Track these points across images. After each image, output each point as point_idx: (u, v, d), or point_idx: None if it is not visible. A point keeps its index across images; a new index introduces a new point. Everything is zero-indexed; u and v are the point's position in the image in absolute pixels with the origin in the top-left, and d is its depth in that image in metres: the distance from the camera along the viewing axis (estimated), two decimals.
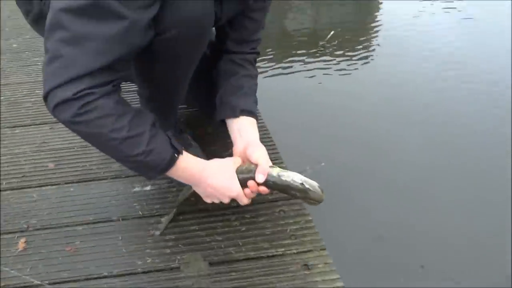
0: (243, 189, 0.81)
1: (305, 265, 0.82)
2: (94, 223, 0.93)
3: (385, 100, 2.11)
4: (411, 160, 1.68)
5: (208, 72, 0.99)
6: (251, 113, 0.92)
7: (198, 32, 0.76)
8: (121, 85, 0.74)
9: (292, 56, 2.58)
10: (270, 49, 2.60)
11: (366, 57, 2.63)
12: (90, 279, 0.81)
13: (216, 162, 0.84)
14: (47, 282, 0.79)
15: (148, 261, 0.84)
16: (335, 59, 2.58)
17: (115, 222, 0.93)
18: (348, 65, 2.52)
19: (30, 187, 1.03)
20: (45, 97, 0.69)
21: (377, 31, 3.13)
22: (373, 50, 2.77)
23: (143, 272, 0.82)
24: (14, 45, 1.78)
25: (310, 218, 0.92)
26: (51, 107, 0.69)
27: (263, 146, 0.88)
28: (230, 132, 0.92)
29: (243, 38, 0.96)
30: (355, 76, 2.39)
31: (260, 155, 0.83)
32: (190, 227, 0.91)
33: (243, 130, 0.89)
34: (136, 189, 1.01)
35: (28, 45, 1.77)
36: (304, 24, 3.40)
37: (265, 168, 0.80)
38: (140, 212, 0.95)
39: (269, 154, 0.86)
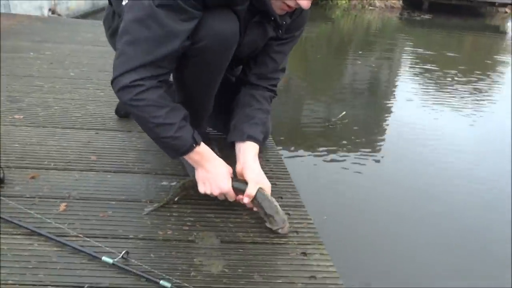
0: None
1: (303, 253, 0.94)
2: (125, 201, 1.08)
3: (388, 197, 2.23)
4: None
5: (230, 104, 1.21)
6: (256, 140, 1.10)
7: (223, 46, 0.96)
8: (166, 81, 0.96)
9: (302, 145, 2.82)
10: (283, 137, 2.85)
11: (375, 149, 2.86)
12: (118, 237, 0.94)
13: (220, 161, 1.03)
14: (81, 235, 0.92)
15: (168, 232, 0.97)
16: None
17: (143, 203, 1.07)
18: (357, 154, 2.73)
19: (73, 170, 1.20)
20: (112, 82, 0.93)
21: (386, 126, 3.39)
22: (381, 144, 3.02)
23: (164, 240, 0.95)
24: (71, 74, 2.09)
25: (312, 221, 1.06)
26: (116, 90, 0.93)
27: (256, 168, 1.05)
28: (236, 153, 1.10)
29: (263, 74, 1.17)
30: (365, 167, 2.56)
31: (251, 178, 1.01)
32: (207, 214, 1.05)
33: (244, 152, 1.08)
34: (164, 183, 1.17)
35: (81, 74, 2.09)
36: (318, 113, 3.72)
37: (250, 193, 0.98)
38: (165, 199, 1.09)
39: None
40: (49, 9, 5.47)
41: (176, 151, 0.98)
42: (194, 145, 0.97)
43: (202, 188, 1.01)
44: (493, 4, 11.52)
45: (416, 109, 3.76)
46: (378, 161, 2.73)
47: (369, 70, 5.41)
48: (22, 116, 1.53)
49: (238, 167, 1.05)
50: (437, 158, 2.74)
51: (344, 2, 11.25)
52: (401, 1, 11.65)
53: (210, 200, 1.08)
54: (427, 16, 10.79)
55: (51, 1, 5.54)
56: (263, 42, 1.11)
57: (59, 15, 5.57)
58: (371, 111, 3.90)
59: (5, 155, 1.24)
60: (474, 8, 11.62)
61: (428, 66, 5.62)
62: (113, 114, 1.59)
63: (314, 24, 9.27)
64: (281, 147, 2.81)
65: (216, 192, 1.00)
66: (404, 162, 2.68)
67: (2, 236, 0.90)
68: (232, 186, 1.00)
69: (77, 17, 5.85)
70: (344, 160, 2.65)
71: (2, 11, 4.40)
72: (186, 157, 0.99)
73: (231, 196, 1.00)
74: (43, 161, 1.23)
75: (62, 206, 1.03)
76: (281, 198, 1.14)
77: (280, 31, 1.09)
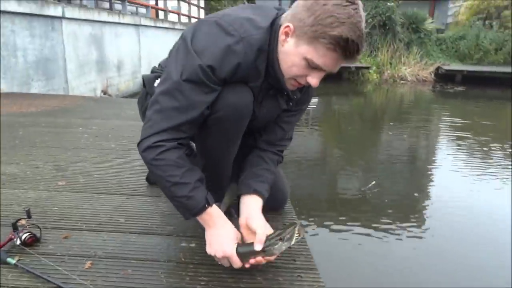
0: (243, 262, 1.03)
1: None
2: (145, 260, 1.14)
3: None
4: None
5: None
6: (261, 194, 1.17)
7: (238, 116, 1.06)
8: (186, 145, 1.07)
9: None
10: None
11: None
12: None
13: (229, 225, 1.08)
14: None
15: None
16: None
17: (162, 263, 1.13)
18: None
19: (102, 231, 1.30)
20: (138, 144, 1.06)
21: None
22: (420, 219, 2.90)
23: None
24: (112, 146, 2.31)
25: (323, 283, 1.06)
26: (140, 151, 1.05)
27: (261, 217, 1.11)
28: (240, 205, 1.16)
29: (272, 141, 1.27)
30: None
31: (258, 224, 1.06)
32: (221, 275, 1.08)
33: (249, 205, 1.14)
34: (183, 244, 1.23)
35: (121, 146, 2.30)
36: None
37: (261, 238, 1.02)
38: (182, 259, 1.15)
39: None
40: (102, 91, 6.14)
41: (189, 211, 1.05)
42: (206, 205, 1.04)
43: (209, 250, 1.06)
44: None
45: (457, 182, 3.64)
46: (418, 236, 2.61)
47: (405, 141, 5.39)
48: (64, 183, 1.69)
49: (242, 219, 1.10)
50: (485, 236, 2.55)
51: (375, 77, 11.65)
52: (432, 75, 11.86)
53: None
54: (460, 88, 10.83)
55: (105, 83, 6.23)
56: (276, 114, 1.22)
57: (109, 95, 6.21)
58: (409, 182, 3.82)
59: (45, 217, 1.37)
60: (510, 80, 11.55)
61: (467, 135, 5.54)
62: (144, 181, 1.72)
63: (347, 98, 9.60)
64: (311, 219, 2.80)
65: (219, 255, 1.03)
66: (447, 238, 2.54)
67: None
68: (237, 252, 1.03)
69: (125, 97, 6.49)
70: (380, 232, 2.58)
71: (62, 93, 5.00)
72: (198, 217, 1.06)
73: (235, 261, 1.02)
74: (77, 222, 1.35)
75: (88, 264, 1.11)
76: (294, 260, 1.16)
77: (291, 104, 1.21)
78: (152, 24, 8.34)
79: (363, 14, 0.94)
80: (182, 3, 11.23)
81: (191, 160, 1.09)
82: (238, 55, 0.98)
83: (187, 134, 1.05)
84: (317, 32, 0.92)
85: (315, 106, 8.41)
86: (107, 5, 7.12)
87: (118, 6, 7.45)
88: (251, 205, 1.15)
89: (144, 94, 1.30)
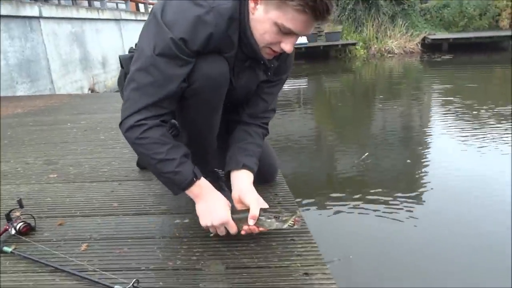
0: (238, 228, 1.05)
1: (306, 273, 0.96)
2: (140, 238, 1.16)
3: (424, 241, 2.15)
4: None
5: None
6: (251, 168, 1.18)
7: (214, 85, 1.06)
8: (168, 122, 1.08)
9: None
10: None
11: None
12: (131, 270, 1.01)
13: (219, 194, 1.10)
14: (99, 269, 1.00)
15: (177, 262, 1.03)
16: None
17: (157, 239, 1.15)
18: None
19: (96, 216, 1.31)
20: (120, 125, 1.06)
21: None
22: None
23: (173, 269, 1.01)
24: (102, 137, 2.31)
25: (316, 244, 1.08)
26: (123, 131, 1.05)
27: (254, 191, 1.12)
28: (232, 181, 1.17)
29: (255, 113, 1.26)
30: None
31: (251, 199, 1.07)
32: (215, 245, 1.10)
33: (240, 179, 1.15)
34: (177, 221, 1.25)
35: (110, 137, 2.30)
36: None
37: (255, 213, 1.03)
38: (177, 234, 1.17)
39: None
40: (89, 89, 6.08)
41: (177, 186, 1.06)
42: (194, 179, 1.05)
43: (203, 221, 1.07)
44: None
45: (455, 151, 3.62)
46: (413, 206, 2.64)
47: (398, 114, 5.41)
48: (56, 175, 1.70)
49: (235, 194, 1.12)
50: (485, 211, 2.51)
51: (362, 52, 11.62)
52: (419, 46, 11.85)
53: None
54: (448, 56, 10.86)
55: (91, 81, 6.17)
56: (255, 85, 1.22)
57: (97, 92, 6.16)
58: (404, 155, 3.84)
59: (39, 207, 1.38)
60: (495, 43, 11.59)
61: (457, 100, 5.58)
62: (135, 167, 1.73)
63: (336, 76, 9.59)
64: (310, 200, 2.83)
65: (216, 222, 1.04)
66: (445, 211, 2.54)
67: (30, 274, 1.00)
68: (232, 218, 1.05)
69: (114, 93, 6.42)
70: (376, 206, 2.61)
71: (48, 93, 4.95)
72: (187, 191, 1.07)
73: (232, 226, 1.05)
74: (71, 210, 1.36)
75: (84, 246, 1.13)
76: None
77: (269, 73, 1.21)
78: (133, 18, 8.22)
79: None
80: None
81: (178, 140, 1.10)
82: (209, 25, 0.98)
83: (167, 109, 1.05)
84: None
85: (305, 86, 8.41)
86: (86, 3, 7.00)
87: (97, 4, 7.32)
88: (243, 180, 1.16)
89: (123, 74, 1.30)
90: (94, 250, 1.11)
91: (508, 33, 11.50)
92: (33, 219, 1.23)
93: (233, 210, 1.08)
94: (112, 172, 1.71)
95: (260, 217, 1.04)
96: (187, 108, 1.12)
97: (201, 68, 1.03)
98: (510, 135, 3.88)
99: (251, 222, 1.03)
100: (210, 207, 1.06)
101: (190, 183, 1.06)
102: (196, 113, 1.14)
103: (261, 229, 1.05)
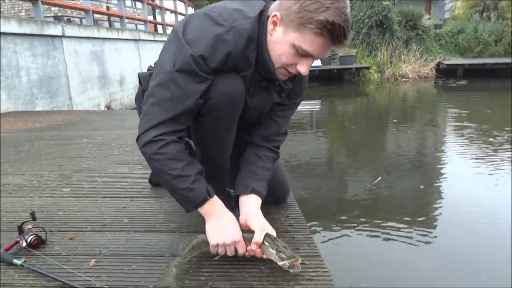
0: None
1: None
2: (150, 256, 1.15)
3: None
4: None
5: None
6: (259, 193, 1.18)
7: (230, 103, 1.07)
8: (184, 138, 1.09)
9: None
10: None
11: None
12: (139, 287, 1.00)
13: (230, 214, 1.10)
14: (106, 286, 0.99)
15: (186, 282, 1.02)
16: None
17: (166, 258, 1.14)
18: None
19: (107, 231, 1.31)
20: (137, 140, 1.07)
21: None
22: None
23: None
24: (116, 153, 2.34)
25: (327, 268, 1.06)
26: (140, 146, 1.06)
27: (261, 216, 1.12)
28: (240, 205, 1.17)
29: (267, 135, 1.26)
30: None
31: (255, 224, 1.07)
32: (224, 266, 1.08)
33: (248, 204, 1.15)
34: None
35: (125, 153, 2.33)
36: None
37: (258, 240, 1.03)
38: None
39: None
40: (105, 106, 6.21)
41: (190, 203, 1.06)
42: (208, 197, 1.05)
43: (214, 239, 1.05)
44: None
45: (469, 178, 3.54)
46: (425, 235, 2.57)
47: (412, 138, 5.35)
48: (69, 189, 1.72)
49: (242, 218, 1.11)
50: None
51: (376, 76, 11.65)
52: (434, 71, 11.82)
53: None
54: (463, 82, 10.78)
55: (108, 98, 6.31)
56: (268, 106, 1.22)
57: (113, 109, 6.28)
58: (417, 180, 3.77)
59: (51, 221, 1.39)
60: (511, 70, 11.47)
61: (472, 126, 5.49)
62: (148, 184, 1.74)
63: (350, 99, 9.59)
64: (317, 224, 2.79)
65: (228, 241, 1.03)
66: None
67: None
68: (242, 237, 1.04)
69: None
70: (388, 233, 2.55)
71: (66, 108, 5.07)
72: (199, 209, 1.06)
73: (242, 245, 1.04)
74: (82, 224, 1.36)
75: (93, 262, 1.12)
76: (298, 249, 1.16)
77: (283, 95, 1.21)
78: (151, 38, 8.45)
79: (347, 0, 0.96)
80: (180, 16, 11.39)
81: (192, 158, 1.11)
82: (228, 44, 1.00)
83: (184, 125, 1.07)
84: (303, 19, 0.94)
85: (318, 108, 8.43)
86: (106, 24, 7.24)
87: (117, 25, 7.57)
88: (250, 205, 1.15)
89: (141, 91, 1.32)
90: (103, 266, 1.10)
91: None
92: (44, 232, 1.23)
93: (243, 230, 1.07)
94: (124, 188, 1.72)
95: (264, 242, 1.03)
96: (202, 124, 1.13)
97: (218, 85, 1.05)
98: None
99: (254, 247, 1.04)
100: (222, 225, 1.06)
101: (204, 201, 1.05)
102: (211, 130, 1.14)
103: (264, 256, 1.05)
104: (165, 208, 1.49)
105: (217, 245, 1.06)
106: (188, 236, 1.24)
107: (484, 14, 13.12)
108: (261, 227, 1.06)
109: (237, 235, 1.04)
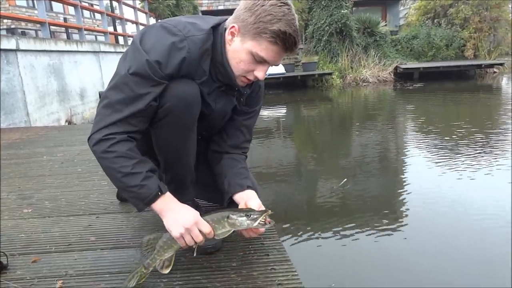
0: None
1: None
2: (119, 273, 1.13)
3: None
4: None
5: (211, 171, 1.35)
6: (254, 188, 1.24)
7: (186, 104, 1.10)
8: (137, 139, 1.09)
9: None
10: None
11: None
12: None
13: (185, 205, 1.09)
14: None
15: None
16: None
17: None
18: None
19: (72, 251, 1.28)
20: (88, 139, 1.08)
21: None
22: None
23: None
24: (79, 170, 2.27)
25: (296, 272, 1.09)
26: (91, 145, 1.07)
27: (259, 200, 1.18)
28: (238, 200, 1.21)
29: (237, 145, 1.35)
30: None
31: (254, 203, 1.15)
32: (196, 277, 1.09)
33: (246, 194, 1.21)
34: None
35: (88, 169, 2.27)
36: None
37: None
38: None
39: None
40: (66, 120, 5.99)
41: (142, 200, 1.05)
42: (159, 193, 1.05)
43: (175, 230, 1.03)
44: (480, 66, 12.11)
45: (432, 175, 3.69)
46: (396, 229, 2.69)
47: (375, 140, 5.54)
48: (30, 210, 1.65)
49: (242, 204, 1.18)
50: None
51: (338, 81, 12.00)
52: (392, 75, 12.35)
53: (198, 264, 1.13)
54: (419, 84, 11.33)
55: (68, 113, 6.10)
56: (230, 108, 1.28)
57: (75, 124, 6.07)
58: (383, 180, 3.91)
59: (12, 244, 1.33)
60: (462, 72, 12.22)
61: (431, 124, 5.77)
62: (115, 199, 1.71)
63: (314, 104, 9.81)
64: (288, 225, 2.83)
65: (188, 224, 1.02)
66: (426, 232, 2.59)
67: None
68: (205, 220, 1.05)
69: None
70: (356, 232, 2.63)
71: (23, 125, 4.85)
72: (152, 206, 1.06)
73: (204, 224, 1.03)
74: (46, 246, 1.32)
75: (59, 283, 1.09)
76: (267, 255, 1.19)
77: (242, 99, 1.28)
78: (112, 50, 8.27)
79: (295, 13, 1.07)
80: (141, 26, 11.23)
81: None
82: (182, 51, 1.05)
83: (136, 127, 1.07)
84: (259, 29, 1.04)
85: (284, 114, 8.54)
86: (64, 36, 7.02)
87: (75, 36, 7.36)
88: (248, 194, 1.21)
89: None
90: (70, 286, 1.08)
91: (473, 62, 12.18)
92: (5, 257, 1.18)
93: (202, 214, 1.07)
94: (89, 205, 1.68)
95: (231, 216, 1.05)
96: (161, 129, 1.15)
97: (172, 89, 1.08)
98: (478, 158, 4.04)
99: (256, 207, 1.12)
100: (177, 214, 1.05)
101: (155, 197, 1.05)
102: (170, 135, 1.16)
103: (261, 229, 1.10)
104: (133, 223, 1.47)
105: (181, 235, 1.03)
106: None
107: (435, 20, 13.88)
108: (258, 205, 1.13)
109: (194, 215, 1.04)
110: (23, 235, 1.41)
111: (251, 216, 1.04)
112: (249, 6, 1.05)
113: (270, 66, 1.11)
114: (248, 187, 1.23)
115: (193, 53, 1.07)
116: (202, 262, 1.15)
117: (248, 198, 1.18)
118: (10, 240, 1.37)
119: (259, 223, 1.04)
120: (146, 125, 1.11)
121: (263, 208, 1.15)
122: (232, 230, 1.07)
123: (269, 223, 1.07)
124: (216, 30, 1.12)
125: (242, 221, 1.05)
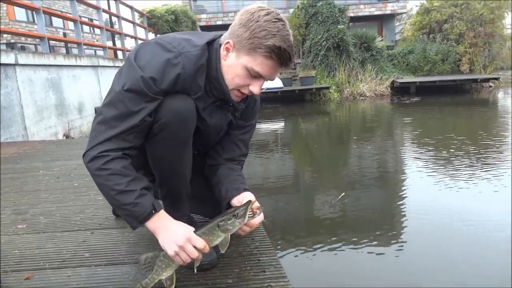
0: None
1: None
2: None
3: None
4: None
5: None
6: (250, 191, 1.24)
7: (181, 119, 1.10)
8: (132, 156, 1.08)
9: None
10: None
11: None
12: None
13: (179, 223, 1.08)
14: None
15: None
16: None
17: None
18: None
19: (67, 268, 1.26)
20: (83, 156, 1.07)
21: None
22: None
23: None
24: (75, 184, 2.26)
25: None
26: (85, 162, 1.06)
27: (252, 195, 1.19)
28: (234, 203, 1.20)
29: (233, 158, 1.35)
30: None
31: (249, 196, 1.18)
32: None
33: (245, 198, 1.19)
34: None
35: (84, 184, 2.25)
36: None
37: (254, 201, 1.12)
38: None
39: None
40: (64, 134, 5.99)
41: (136, 219, 1.04)
42: (153, 211, 1.04)
43: (169, 248, 1.02)
44: (475, 80, 12.24)
45: (430, 188, 3.70)
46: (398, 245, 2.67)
47: (373, 153, 5.55)
48: (25, 225, 1.63)
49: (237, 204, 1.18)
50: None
51: (336, 96, 12.08)
52: (389, 89, 12.45)
53: (194, 280, 1.12)
54: (416, 99, 11.42)
55: (66, 127, 6.10)
56: (225, 123, 1.28)
57: (72, 138, 6.06)
58: (381, 193, 3.90)
59: (4, 261, 1.31)
60: (459, 86, 12.33)
61: (429, 138, 5.78)
62: (110, 215, 1.69)
63: (312, 118, 9.86)
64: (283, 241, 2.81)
65: (181, 241, 1.00)
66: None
67: None
68: (198, 235, 1.03)
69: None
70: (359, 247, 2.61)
71: (20, 139, 4.84)
72: (146, 224, 1.04)
73: (197, 239, 1.01)
74: (39, 262, 1.30)
75: None
76: (264, 272, 1.17)
77: (237, 114, 1.28)
78: (111, 64, 8.33)
79: (289, 29, 1.08)
80: (140, 41, 11.34)
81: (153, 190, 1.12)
82: (177, 67, 1.06)
83: (131, 143, 1.07)
84: (254, 44, 1.05)
85: (282, 127, 8.57)
86: (63, 50, 7.07)
87: (75, 51, 7.42)
88: (245, 195, 1.21)
89: None
90: None
91: (469, 77, 12.32)
92: None
93: (196, 229, 1.06)
94: (84, 220, 1.66)
95: (220, 224, 1.04)
96: (156, 144, 1.14)
97: (168, 104, 1.09)
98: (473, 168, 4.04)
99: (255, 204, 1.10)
100: (170, 231, 1.04)
101: (149, 215, 1.04)
102: (165, 150, 1.15)
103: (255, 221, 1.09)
104: (128, 239, 1.45)
105: (176, 253, 1.02)
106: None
107: (431, 35, 14.09)
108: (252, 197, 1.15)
109: (186, 232, 1.02)
110: (16, 251, 1.39)
111: (238, 214, 1.04)
112: (244, 22, 1.06)
113: (265, 81, 1.12)
114: (245, 190, 1.23)
115: (187, 69, 1.08)
116: (198, 279, 1.13)
117: (245, 197, 1.18)
118: (3, 256, 1.35)
119: (248, 216, 1.04)
120: (141, 140, 1.11)
121: (258, 204, 1.13)
122: (229, 235, 1.06)
123: (258, 209, 1.07)
124: (211, 46, 1.13)
125: (233, 223, 1.04)
